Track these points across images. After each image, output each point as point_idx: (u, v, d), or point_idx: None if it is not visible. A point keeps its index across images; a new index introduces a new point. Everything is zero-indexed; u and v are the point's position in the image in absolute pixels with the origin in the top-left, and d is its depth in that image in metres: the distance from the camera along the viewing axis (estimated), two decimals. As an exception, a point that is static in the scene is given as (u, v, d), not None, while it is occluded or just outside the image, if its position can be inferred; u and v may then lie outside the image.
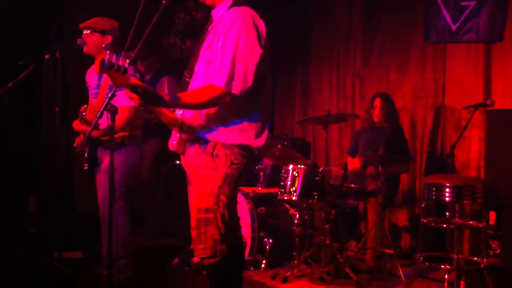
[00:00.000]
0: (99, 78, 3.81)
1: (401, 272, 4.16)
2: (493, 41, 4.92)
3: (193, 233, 2.55)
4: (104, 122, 3.66)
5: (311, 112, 6.44)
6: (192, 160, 2.60)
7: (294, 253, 4.34)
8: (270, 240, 4.53)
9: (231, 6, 2.59)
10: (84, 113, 3.72)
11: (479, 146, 4.88)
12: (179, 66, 2.85)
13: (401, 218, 5.44)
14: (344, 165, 4.78)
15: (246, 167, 2.62)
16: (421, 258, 3.80)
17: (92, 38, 3.75)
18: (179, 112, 2.65)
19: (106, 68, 2.23)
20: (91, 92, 3.88)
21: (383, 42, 5.77)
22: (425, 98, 5.39)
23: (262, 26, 2.56)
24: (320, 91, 6.43)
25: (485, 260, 3.69)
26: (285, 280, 4.13)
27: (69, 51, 3.99)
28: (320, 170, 4.35)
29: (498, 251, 3.90)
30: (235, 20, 2.48)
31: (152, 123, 4.70)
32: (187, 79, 2.67)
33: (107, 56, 2.23)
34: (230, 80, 2.44)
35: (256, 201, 4.68)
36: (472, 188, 3.65)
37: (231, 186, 2.57)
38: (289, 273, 4.19)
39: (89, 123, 3.69)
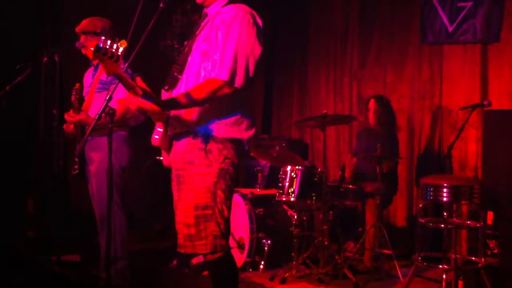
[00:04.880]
0: (93, 77, 3.82)
1: (399, 273, 4.16)
2: (489, 42, 4.94)
3: (190, 230, 2.51)
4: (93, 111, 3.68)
5: (308, 114, 6.45)
6: (182, 156, 2.57)
7: (293, 254, 4.35)
8: (269, 241, 4.53)
9: (226, 4, 2.61)
10: (78, 97, 3.69)
11: (476, 146, 4.89)
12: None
13: (399, 218, 5.45)
14: (342, 166, 4.79)
15: (239, 162, 2.60)
16: (419, 258, 3.81)
17: (93, 42, 3.73)
18: None
19: (100, 54, 2.19)
20: (85, 91, 3.88)
21: (380, 43, 5.79)
22: (422, 99, 5.41)
23: (260, 23, 2.58)
24: (317, 92, 6.44)
25: (483, 260, 3.70)
26: (283, 281, 4.14)
27: (67, 54, 3.98)
28: (318, 171, 4.36)
29: (496, 251, 3.91)
30: (236, 16, 2.50)
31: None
32: (175, 73, 2.64)
33: (102, 42, 2.18)
34: (233, 73, 2.45)
35: (254, 202, 4.68)
36: (470, 188, 3.66)
37: (227, 181, 2.54)
38: (287, 274, 4.20)
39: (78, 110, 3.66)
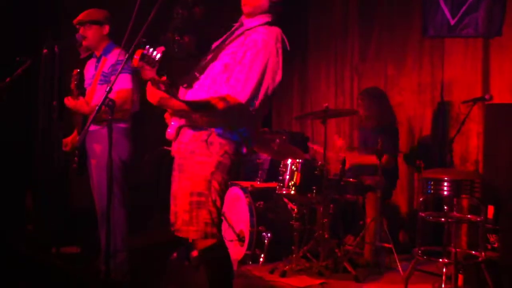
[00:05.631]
0: (96, 68, 3.80)
1: (399, 266, 4.17)
2: (491, 36, 4.91)
3: (185, 216, 2.63)
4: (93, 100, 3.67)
5: (309, 108, 6.45)
6: (185, 146, 2.69)
7: (293, 248, 4.35)
8: (269, 235, 4.53)
9: (265, 23, 2.73)
10: (76, 83, 3.69)
11: (477, 140, 4.88)
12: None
13: (400, 212, 5.44)
14: (343, 160, 4.78)
15: (238, 159, 2.72)
16: (420, 252, 3.81)
17: (92, 31, 3.74)
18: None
19: (144, 61, 2.33)
20: (86, 83, 3.87)
21: (380, 37, 5.77)
22: (423, 93, 5.39)
23: (288, 47, 2.75)
24: (318, 86, 6.43)
25: (483, 254, 3.69)
26: (283, 275, 4.13)
27: (67, 46, 3.96)
28: (318, 164, 4.35)
29: (496, 245, 3.91)
30: (267, 44, 2.63)
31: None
32: (196, 73, 2.74)
33: (146, 51, 2.32)
34: (252, 98, 2.59)
35: (255, 195, 4.68)
36: (470, 182, 3.65)
37: (224, 174, 2.66)
38: (287, 267, 4.20)
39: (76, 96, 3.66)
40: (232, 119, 2.64)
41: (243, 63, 2.61)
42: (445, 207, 3.77)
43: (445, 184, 3.65)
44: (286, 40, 2.73)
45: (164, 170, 5.71)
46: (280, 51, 2.67)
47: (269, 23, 2.74)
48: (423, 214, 3.85)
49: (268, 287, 4.01)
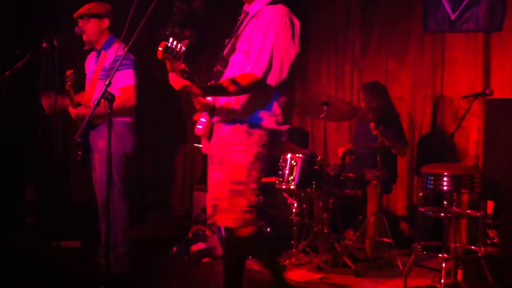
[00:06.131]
0: (96, 63, 3.79)
1: (399, 261, 4.17)
2: (492, 30, 4.90)
3: (224, 203, 2.69)
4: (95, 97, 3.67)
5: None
6: (225, 137, 2.75)
7: (292, 242, 4.35)
8: (268, 229, 4.53)
9: (268, 4, 2.78)
10: (71, 83, 3.69)
11: (477, 135, 4.88)
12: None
13: (399, 207, 5.44)
14: (342, 154, 4.77)
15: (276, 148, 2.84)
16: (419, 247, 3.80)
17: (90, 24, 3.73)
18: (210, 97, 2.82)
19: (167, 53, 2.35)
20: (87, 77, 3.87)
21: (381, 31, 5.75)
22: (423, 87, 5.38)
23: (297, 24, 2.76)
24: (318, 80, 6.40)
25: (482, 249, 3.69)
26: (283, 269, 4.13)
27: (67, 40, 3.96)
28: (318, 159, 4.35)
29: (495, 240, 3.91)
30: (274, 18, 2.68)
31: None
32: (219, 67, 2.81)
33: (170, 43, 2.33)
34: (267, 71, 2.64)
35: (255, 190, 4.66)
36: (470, 177, 3.64)
37: (262, 164, 2.75)
38: (287, 262, 4.20)
39: (75, 104, 3.67)
40: (258, 98, 2.70)
41: (256, 42, 2.68)
42: (445, 202, 3.76)
43: (445, 179, 3.64)
44: (293, 16, 2.77)
45: (164, 169, 5.73)
46: (288, 24, 2.70)
47: (273, 2, 2.79)
48: (422, 209, 3.84)
49: (268, 281, 4.01)
